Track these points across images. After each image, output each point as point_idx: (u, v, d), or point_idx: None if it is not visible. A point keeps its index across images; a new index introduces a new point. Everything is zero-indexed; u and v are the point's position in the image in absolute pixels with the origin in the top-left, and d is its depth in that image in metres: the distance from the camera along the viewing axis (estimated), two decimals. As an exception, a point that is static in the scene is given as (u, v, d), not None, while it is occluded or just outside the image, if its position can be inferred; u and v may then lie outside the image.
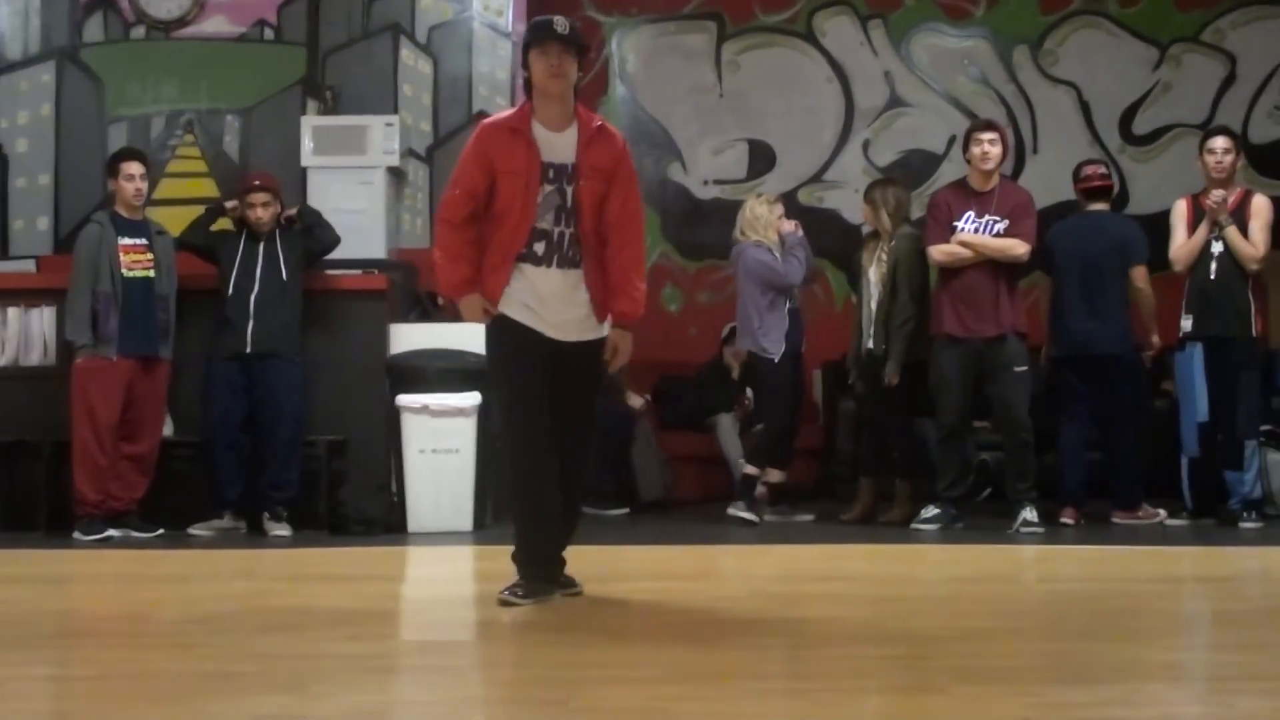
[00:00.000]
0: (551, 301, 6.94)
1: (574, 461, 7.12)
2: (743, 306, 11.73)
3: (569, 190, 6.93)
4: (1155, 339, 11.37)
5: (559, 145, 6.96)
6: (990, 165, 10.95)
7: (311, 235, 11.47)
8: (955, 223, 10.92)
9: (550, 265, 6.94)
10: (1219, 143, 11.13)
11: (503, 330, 7.00)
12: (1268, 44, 15.11)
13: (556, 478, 7.01)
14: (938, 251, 10.99)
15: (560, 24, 6.90)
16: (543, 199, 6.91)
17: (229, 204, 11.56)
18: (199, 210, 11.69)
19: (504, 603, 6.88)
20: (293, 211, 11.49)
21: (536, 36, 6.94)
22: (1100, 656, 5.67)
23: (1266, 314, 11.30)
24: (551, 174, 6.92)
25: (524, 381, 6.97)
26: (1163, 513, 11.12)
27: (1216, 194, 10.95)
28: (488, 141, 6.97)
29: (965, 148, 11.11)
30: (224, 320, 11.16)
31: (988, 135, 11.00)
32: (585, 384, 7.13)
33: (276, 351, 11.13)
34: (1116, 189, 11.67)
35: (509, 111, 7.23)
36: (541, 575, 7.05)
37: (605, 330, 7.10)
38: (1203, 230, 10.97)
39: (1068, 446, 11.21)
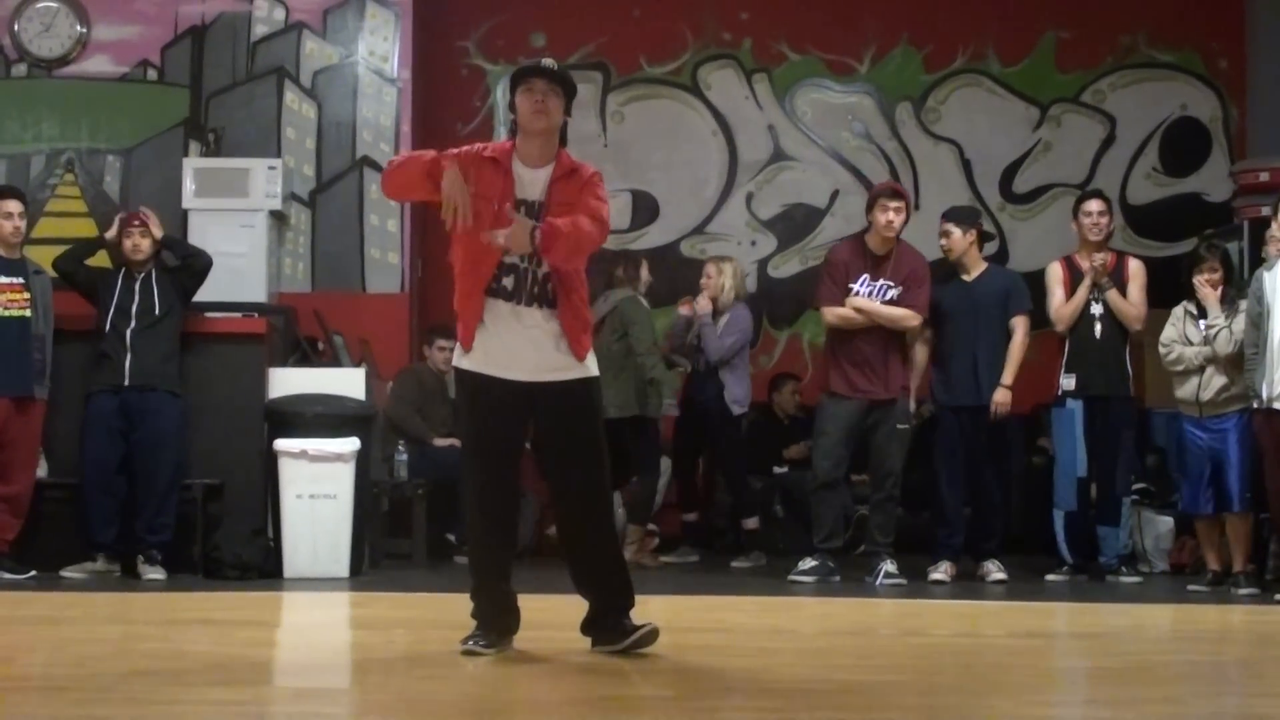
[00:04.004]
0: (519, 340, 6.79)
1: (592, 514, 6.98)
2: None
3: None
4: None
5: (532, 181, 6.84)
6: (894, 234, 10.99)
7: (185, 264, 11.44)
8: (850, 284, 10.96)
9: (519, 302, 6.79)
10: (1094, 205, 11.33)
11: (464, 381, 6.93)
12: (1147, 106, 15.28)
13: (573, 535, 7.03)
14: (831, 314, 11.03)
15: (547, 61, 6.86)
16: None
17: (109, 233, 11.50)
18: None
19: (467, 653, 6.79)
20: (159, 234, 11.42)
21: (522, 73, 6.85)
22: (974, 711, 5.71)
23: (1141, 375, 11.47)
24: (522, 210, 6.77)
25: (483, 432, 6.91)
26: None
27: (1097, 257, 11.11)
28: (468, 162, 6.81)
29: (869, 209, 11.15)
30: (101, 355, 11.07)
31: (894, 204, 10.98)
32: (573, 427, 6.91)
33: (155, 385, 11.04)
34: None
35: (490, 143, 7.06)
36: (496, 626, 6.95)
37: (586, 370, 6.90)
38: (1083, 291, 11.12)
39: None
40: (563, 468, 6.97)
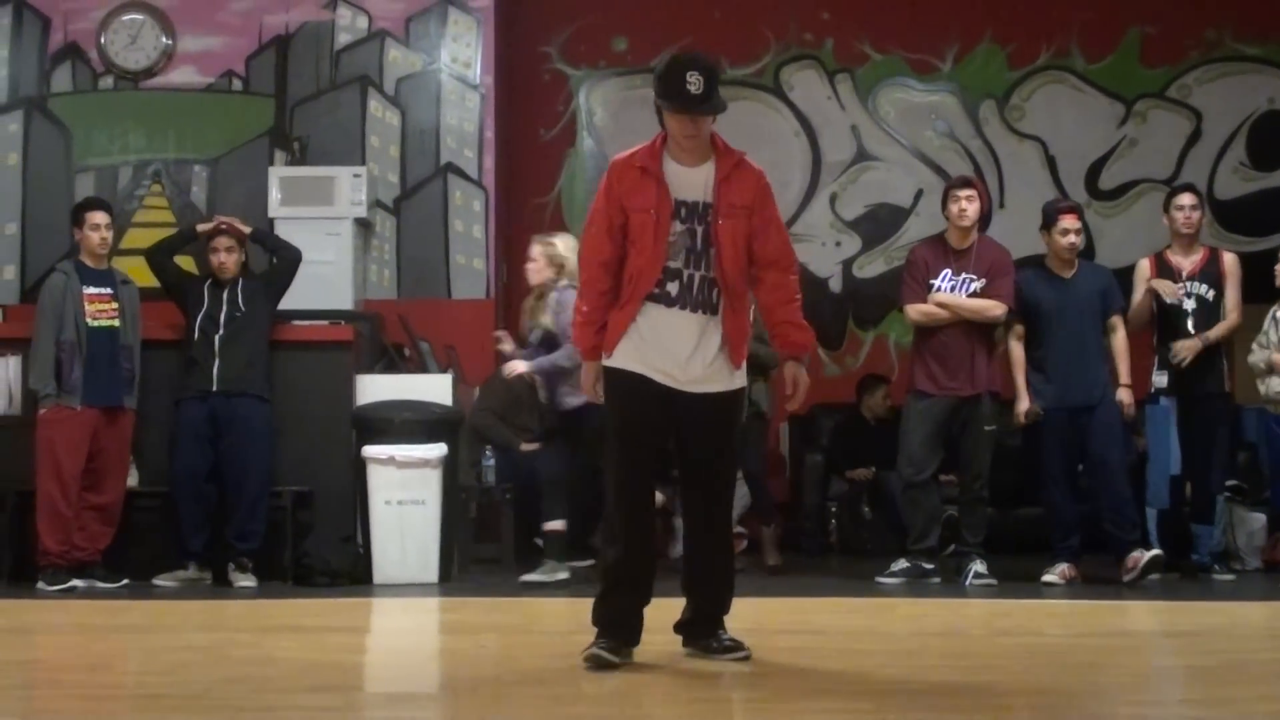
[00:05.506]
0: (679, 348, 6.65)
1: (716, 523, 6.89)
2: None
3: (699, 231, 6.67)
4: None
5: (692, 182, 6.70)
6: (968, 222, 10.90)
7: (276, 256, 11.62)
8: (932, 280, 10.89)
9: (682, 307, 6.67)
10: (1186, 199, 11.21)
11: (615, 380, 6.73)
12: (1233, 100, 15.17)
13: (694, 541, 6.94)
14: (914, 311, 10.93)
15: (694, 84, 6.55)
16: (674, 238, 6.64)
17: (201, 226, 11.58)
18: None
19: (590, 658, 6.61)
20: (246, 231, 11.52)
21: (670, 101, 6.61)
22: (1069, 710, 5.67)
23: (1231, 370, 11.37)
24: (683, 213, 6.67)
25: (631, 437, 6.74)
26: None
27: (1174, 283, 11.00)
28: (616, 180, 6.71)
29: (943, 205, 11.07)
30: (190, 361, 11.16)
31: (965, 192, 10.95)
32: (718, 439, 6.81)
33: (243, 390, 11.10)
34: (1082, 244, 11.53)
35: (640, 147, 6.82)
36: (622, 635, 6.76)
37: (735, 381, 6.77)
38: (1148, 298, 11.04)
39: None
40: (695, 475, 6.88)
